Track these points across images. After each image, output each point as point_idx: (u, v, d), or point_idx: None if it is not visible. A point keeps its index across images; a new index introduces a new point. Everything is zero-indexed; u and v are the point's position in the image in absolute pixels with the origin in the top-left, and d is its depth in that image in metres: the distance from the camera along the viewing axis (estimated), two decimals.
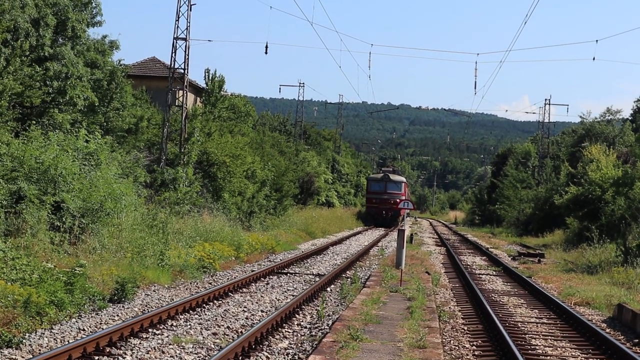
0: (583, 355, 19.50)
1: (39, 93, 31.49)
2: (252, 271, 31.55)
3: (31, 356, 15.57)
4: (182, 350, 16.95)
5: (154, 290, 25.78)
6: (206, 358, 16.39)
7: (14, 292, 18.83)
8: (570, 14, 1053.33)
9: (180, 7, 47.76)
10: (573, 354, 19.68)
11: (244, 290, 27.39)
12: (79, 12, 40.74)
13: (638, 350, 19.78)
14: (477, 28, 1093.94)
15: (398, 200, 76.80)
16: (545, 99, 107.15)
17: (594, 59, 72.77)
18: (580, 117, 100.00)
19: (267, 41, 58.05)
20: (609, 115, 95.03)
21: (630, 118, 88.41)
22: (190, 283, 28.44)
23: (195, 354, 16.71)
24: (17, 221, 25.26)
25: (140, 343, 17.52)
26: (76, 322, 19.55)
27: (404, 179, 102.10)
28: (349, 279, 30.29)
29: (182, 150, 48.50)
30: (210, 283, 28.73)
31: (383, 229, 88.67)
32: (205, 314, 21.90)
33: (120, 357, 16.22)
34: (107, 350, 16.37)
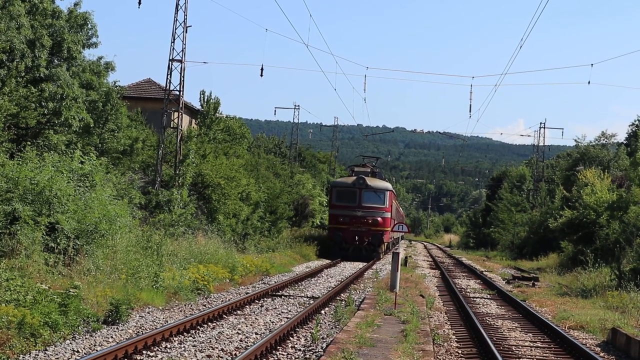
0: None
1: (34, 114, 31.54)
2: (247, 293, 31.56)
3: None
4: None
5: (148, 312, 25.78)
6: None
7: (8, 314, 18.73)
8: (566, 37, 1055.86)
9: (175, 29, 47.92)
10: None
11: (239, 312, 27.34)
12: (75, 34, 40.86)
13: None
14: (472, 51, 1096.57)
15: (380, 219, 53.75)
16: (541, 123, 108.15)
17: (589, 82, 72.74)
18: (575, 140, 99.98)
19: (263, 63, 57.77)
20: (603, 139, 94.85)
21: (625, 142, 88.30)
22: (185, 305, 28.45)
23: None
24: (11, 242, 25.06)
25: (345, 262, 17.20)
26: (70, 343, 19.55)
27: (389, 186, 61.94)
28: (343, 302, 30.22)
29: (177, 172, 48.57)
30: (205, 305, 28.69)
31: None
32: (200, 336, 21.79)
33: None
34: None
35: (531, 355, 22.62)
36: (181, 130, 49.50)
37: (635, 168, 56.57)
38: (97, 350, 18.27)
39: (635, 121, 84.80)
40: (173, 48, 48.10)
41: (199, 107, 66.09)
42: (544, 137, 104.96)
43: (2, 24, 32.12)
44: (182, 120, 49.90)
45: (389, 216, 54.18)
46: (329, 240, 58.25)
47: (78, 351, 18.68)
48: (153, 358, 18.59)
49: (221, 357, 19.19)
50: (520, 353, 22.85)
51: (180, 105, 49.17)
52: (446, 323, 28.40)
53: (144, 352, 19.02)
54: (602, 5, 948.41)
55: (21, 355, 17.54)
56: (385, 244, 57.22)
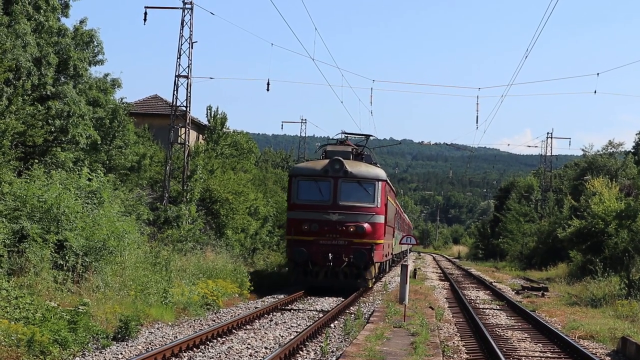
0: None
1: (41, 132, 31.61)
2: (256, 308, 31.43)
3: None
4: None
5: (157, 328, 25.71)
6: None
7: (17, 331, 18.73)
8: (571, 47, 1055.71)
9: (181, 45, 48.15)
10: None
11: (248, 327, 27.19)
12: (81, 51, 40.94)
13: None
14: (478, 62, 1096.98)
15: (367, 225, 35.65)
16: (548, 133, 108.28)
17: (595, 92, 72.97)
18: (583, 150, 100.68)
19: (269, 78, 58.04)
20: (611, 148, 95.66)
21: (632, 150, 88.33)
22: (194, 320, 28.36)
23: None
24: (20, 260, 25.10)
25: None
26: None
27: (382, 174, 40.17)
28: (352, 315, 30.06)
29: (185, 187, 48.70)
30: (214, 320, 28.61)
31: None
32: (209, 352, 21.66)
33: None
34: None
35: None
36: (188, 145, 49.63)
37: None
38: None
39: None
40: (179, 64, 48.38)
41: (206, 123, 66.26)
42: (551, 147, 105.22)
43: (8, 42, 32.23)
44: (189, 135, 50.05)
45: (382, 221, 35.76)
46: (289, 261, 38.28)
47: None
48: None
49: None
50: None
51: (187, 121, 49.40)
52: (456, 335, 28.27)
53: None
54: (607, 14, 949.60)
55: None
56: (377, 264, 37.86)
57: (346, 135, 41.44)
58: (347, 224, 35.46)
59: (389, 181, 41.19)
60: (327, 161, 36.49)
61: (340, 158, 36.22)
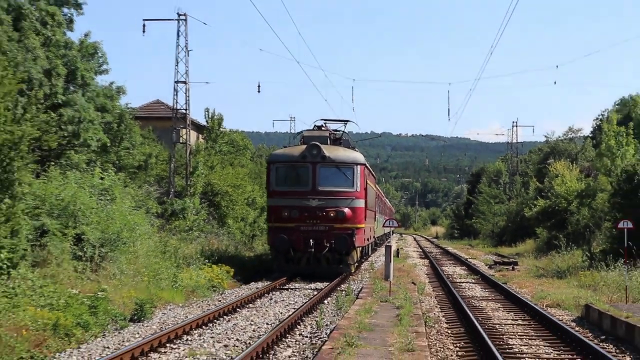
0: (555, 352, 19.84)
1: (55, 137, 31.99)
2: (257, 288, 31.76)
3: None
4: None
5: (169, 309, 26.20)
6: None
7: (43, 317, 19.08)
8: (533, 42, 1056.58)
9: (178, 53, 48.83)
10: (546, 351, 19.95)
11: (250, 305, 27.54)
12: (87, 62, 41.47)
13: (604, 346, 20.14)
14: (448, 58, 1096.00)
15: (347, 209, 33.41)
16: (513, 122, 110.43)
17: (555, 82, 73.98)
18: (545, 136, 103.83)
19: (259, 81, 58.82)
20: (571, 134, 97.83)
21: (590, 135, 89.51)
22: (202, 301, 28.69)
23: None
24: (42, 253, 25.47)
25: (159, 357, 17.79)
26: (101, 340, 19.87)
27: (360, 158, 36.95)
28: (343, 292, 30.26)
29: (188, 182, 49.34)
30: (220, 300, 28.92)
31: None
32: (217, 329, 22.12)
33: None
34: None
35: (513, 332, 22.88)
36: (189, 145, 50.35)
37: (600, 159, 57.64)
38: (125, 346, 18.51)
39: (599, 116, 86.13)
40: (177, 71, 49.05)
41: (205, 123, 66.50)
42: (516, 135, 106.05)
43: (19, 56, 32.74)
44: (189, 136, 50.83)
45: (362, 205, 33.48)
46: (271, 249, 35.62)
47: (108, 347, 18.87)
48: (176, 350, 18.78)
49: (237, 346, 19.25)
50: (503, 330, 23.16)
51: (188, 123, 50.10)
52: (436, 306, 28.78)
53: (168, 345, 19.26)
54: (565, 11, 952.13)
55: (57, 354, 17.71)
56: (359, 249, 35.73)
57: (324, 121, 37.89)
58: (327, 209, 32.78)
59: (367, 165, 37.76)
60: (304, 147, 33.72)
61: (318, 143, 33.38)
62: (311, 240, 32.56)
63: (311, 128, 36.37)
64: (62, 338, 18.86)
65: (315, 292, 30.65)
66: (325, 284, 32.23)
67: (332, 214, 32.81)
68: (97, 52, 43.16)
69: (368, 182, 36.89)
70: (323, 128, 36.84)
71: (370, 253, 49.27)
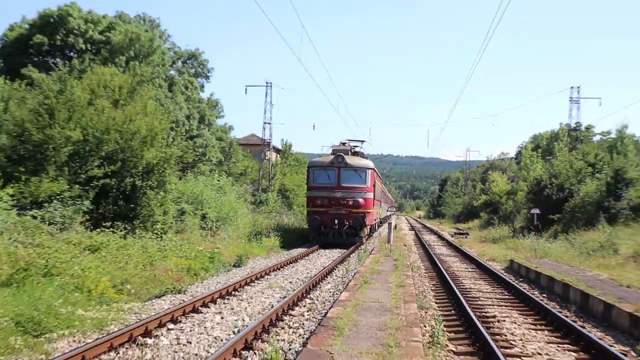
0: (491, 287, 20.38)
1: (191, 155, 32.72)
2: (310, 247, 31.74)
3: (192, 297, 15.90)
4: (274, 291, 17.54)
5: (256, 260, 26.70)
6: (286, 295, 16.83)
7: (181, 264, 20.00)
8: (484, 95, 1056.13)
9: (266, 105, 50.57)
10: (485, 287, 20.57)
11: (307, 257, 28.05)
12: (211, 110, 44.34)
13: (521, 284, 20.90)
14: (427, 106, 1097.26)
15: (362, 200, 33.68)
16: (467, 148, 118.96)
17: (493, 124, 77.40)
18: (487, 157, 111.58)
19: (314, 122, 60.04)
20: (502, 156, 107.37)
21: (514, 157, 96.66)
22: (277, 255, 29.14)
23: (281, 293, 17.34)
24: (182, 225, 26.84)
25: (251, 288, 18.14)
26: (216, 278, 20.48)
27: (370, 164, 36.69)
28: (362, 250, 30.27)
29: (270, 183, 51.22)
30: (287, 254, 29.09)
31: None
32: (285, 271, 22.45)
33: (240, 296, 16.53)
34: (233, 292, 16.96)
35: (465, 276, 23.50)
36: (271, 161, 53.13)
37: (520, 171, 61.16)
38: (230, 281, 19.07)
39: (520, 144, 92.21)
40: (265, 115, 50.32)
41: (280, 147, 67.76)
42: (469, 156, 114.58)
43: (171, 107, 34.29)
44: (272, 155, 52.97)
45: (372, 197, 33.86)
46: (309, 226, 34.93)
47: (220, 282, 19.37)
48: (261, 284, 19.07)
49: (298, 282, 19.58)
50: (459, 275, 23.80)
51: (270, 148, 52.02)
52: (418, 259, 29.52)
53: (256, 280, 19.70)
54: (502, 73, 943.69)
55: (189, 286, 18.20)
56: (368, 226, 35.79)
57: (348, 140, 37.35)
58: (347, 199, 33.01)
59: (375, 169, 37.12)
60: (332, 156, 33.90)
61: (342, 154, 33.78)
62: (336, 220, 32.67)
63: (339, 145, 36.08)
64: (192, 276, 19.68)
65: (346, 249, 31.18)
66: (349, 248, 31.82)
67: (350, 202, 32.95)
68: (217, 105, 46.43)
69: (376, 180, 36.66)
70: (346, 144, 36.47)
71: (377, 228, 47.63)
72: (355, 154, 37.20)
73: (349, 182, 33.26)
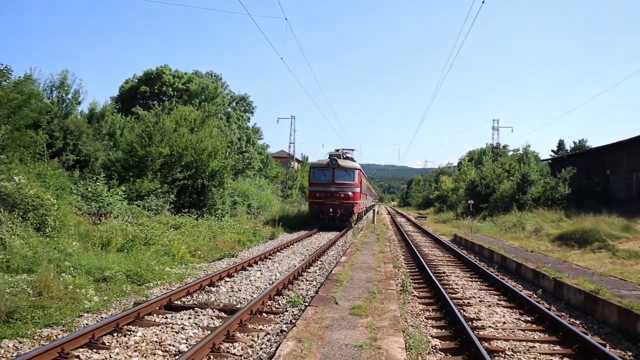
0: (441, 253, 19.83)
1: (241, 164, 33.31)
2: (316, 229, 30.50)
3: (241, 260, 15.29)
4: (296, 256, 16.88)
5: (285, 235, 25.98)
6: (304, 258, 16.19)
7: (233, 237, 19.41)
8: (439, 122, 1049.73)
9: (291, 131, 52.12)
10: (438, 252, 20.05)
11: (318, 233, 27.63)
12: (255, 134, 44.34)
13: (462, 251, 20.42)
14: (401, 133, 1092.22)
15: (351, 193, 30.62)
16: (426, 160, 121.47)
17: (442, 144, 78.17)
18: (439, 166, 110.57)
19: (323, 142, 60.04)
20: (448, 164, 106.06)
21: (457, 165, 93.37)
22: (296, 232, 28.13)
23: (300, 257, 16.70)
24: (234, 211, 26.80)
25: (280, 253, 17.54)
26: (257, 246, 19.85)
27: (358, 166, 32.68)
28: (355, 228, 29.71)
29: (293, 184, 51.09)
30: (305, 232, 27.98)
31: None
32: (304, 242, 21.84)
33: (273, 259, 15.91)
34: (269, 256, 16.40)
35: (425, 245, 22.84)
36: (294, 168, 54.30)
37: (460, 175, 60.50)
38: (266, 249, 18.61)
39: (460, 157, 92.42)
40: (290, 137, 52.21)
41: (300, 159, 67.19)
42: (426, 165, 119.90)
43: (227, 132, 34.32)
44: (294, 164, 54.29)
45: (359, 191, 31.22)
46: (310, 214, 31.84)
47: (260, 249, 18.73)
48: (287, 250, 18.49)
49: (311, 249, 18.96)
50: (420, 244, 23.42)
51: (294, 159, 52.63)
52: (394, 234, 28.86)
53: (284, 249, 18.98)
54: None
55: (239, 252, 17.50)
56: (356, 214, 32.64)
57: (343, 148, 33.57)
58: (339, 192, 29.65)
59: (362, 170, 33.87)
60: (328, 159, 30.47)
61: (336, 158, 30.48)
62: (331, 209, 29.55)
63: (333, 151, 32.80)
64: (241, 245, 19.10)
65: (343, 230, 29.81)
66: (341, 231, 28.58)
67: (342, 195, 29.59)
68: (259, 130, 46.56)
69: (362, 178, 33.40)
70: (339, 151, 32.78)
71: (363, 215, 43.27)
72: (346, 158, 33.62)
73: (341, 180, 29.94)
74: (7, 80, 15.88)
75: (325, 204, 29.67)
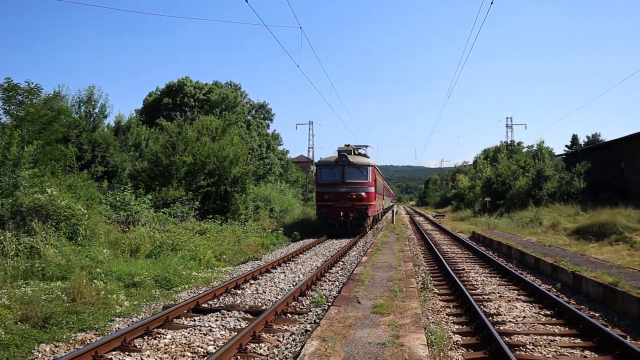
0: (460, 250, 19.70)
1: (262, 170, 33.25)
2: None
3: (265, 262, 15.13)
4: (318, 257, 16.78)
5: (308, 237, 25.08)
6: (326, 260, 15.97)
7: (257, 240, 19.73)
8: (454, 120, 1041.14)
9: (309, 136, 52.54)
10: (457, 250, 19.89)
11: (335, 239, 25.67)
12: (274, 140, 44.53)
13: (480, 247, 20.24)
14: (416, 131, 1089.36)
15: (364, 193, 25.09)
16: (442, 159, 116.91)
17: (458, 143, 78.06)
18: (455, 165, 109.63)
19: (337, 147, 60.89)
20: (464, 163, 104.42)
21: (472, 164, 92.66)
22: (320, 234, 26.74)
23: (323, 258, 16.54)
24: (257, 215, 26.49)
25: (303, 255, 17.42)
26: (280, 249, 19.75)
27: (372, 162, 26.08)
28: (376, 228, 28.86)
29: (313, 187, 52.48)
30: (325, 236, 26.40)
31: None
32: (325, 244, 21.48)
33: (296, 261, 15.64)
34: (292, 258, 16.21)
35: (444, 243, 22.86)
36: (314, 172, 54.53)
37: (476, 174, 60.02)
38: (290, 250, 18.54)
39: (476, 155, 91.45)
40: (309, 141, 52.25)
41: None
42: (442, 164, 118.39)
43: (248, 139, 34.30)
44: (314, 168, 54.63)
45: (373, 191, 26.29)
46: (318, 218, 26.93)
47: (283, 252, 18.55)
48: (309, 253, 18.26)
49: (332, 251, 18.67)
50: (439, 242, 23.37)
51: (313, 163, 52.48)
52: (413, 233, 28.55)
53: (306, 251, 18.85)
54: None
55: (263, 254, 17.54)
56: (371, 217, 27.40)
57: (354, 145, 28.14)
58: (351, 193, 24.71)
59: (376, 167, 28.41)
60: (337, 155, 25.61)
61: (345, 154, 25.32)
62: (341, 212, 24.64)
63: (343, 146, 27.55)
64: (265, 249, 19.18)
65: (357, 237, 28.99)
66: (354, 237, 24.87)
67: (354, 196, 24.74)
68: (278, 137, 46.61)
69: (377, 177, 28.19)
70: (349, 146, 27.35)
71: (380, 218, 37.17)
72: (358, 154, 28.05)
73: (352, 179, 24.99)
74: (38, 98, 16.19)
75: (334, 207, 24.84)
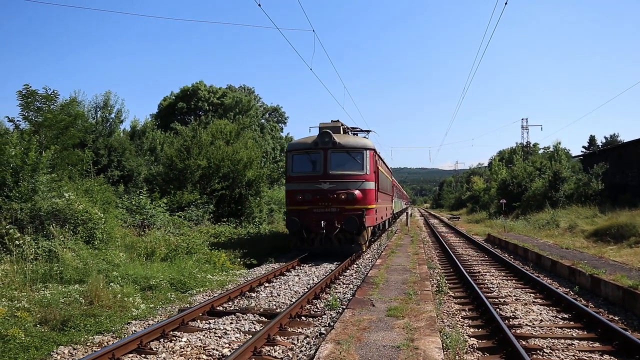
0: (475, 252, 19.64)
1: (276, 174, 33.15)
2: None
3: (279, 265, 14.43)
4: (331, 259, 16.27)
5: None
6: (340, 261, 15.05)
7: (270, 244, 18.84)
8: (468, 122, 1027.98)
9: None
10: (472, 252, 19.83)
11: (318, 262, 27.61)
12: (287, 143, 46.10)
13: (496, 250, 20.30)
14: (428, 133, 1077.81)
15: (357, 191, 14.17)
16: (457, 161, 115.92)
17: (472, 145, 78.03)
18: (469, 167, 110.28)
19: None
20: (479, 165, 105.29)
21: (487, 165, 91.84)
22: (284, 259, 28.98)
23: (337, 261, 16.15)
24: (271, 218, 26.62)
25: (317, 257, 16.82)
26: (295, 252, 17.66)
27: (369, 144, 14.54)
28: (390, 231, 28.01)
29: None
30: None
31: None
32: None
33: (310, 264, 15.22)
34: (306, 262, 15.40)
35: (458, 245, 22.72)
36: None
37: (492, 174, 59.57)
38: (304, 252, 16.30)
39: (491, 157, 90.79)
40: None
41: None
42: (457, 166, 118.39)
43: (262, 143, 35.35)
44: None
45: (372, 187, 15.14)
46: (288, 229, 15.71)
47: (298, 255, 17.07)
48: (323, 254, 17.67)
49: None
50: (454, 244, 23.18)
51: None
52: (427, 236, 28.54)
53: (320, 253, 17.62)
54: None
55: (277, 257, 16.72)
56: (370, 228, 15.89)
57: (349, 126, 18.84)
58: (338, 191, 15.43)
59: (377, 151, 17.83)
60: (318, 134, 16.15)
61: (329, 130, 15.98)
62: (322, 222, 15.53)
63: (329, 122, 17.54)
64: (279, 251, 18.34)
65: (383, 232, 30.52)
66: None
67: (342, 196, 15.44)
68: (292, 139, 47.81)
69: (379, 167, 18.91)
70: (338, 122, 17.67)
71: (388, 227, 28.28)
72: (346, 132, 18.22)
73: (340, 169, 15.79)
74: (55, 104, 16.43)
75: (312, 213, 15.70)
